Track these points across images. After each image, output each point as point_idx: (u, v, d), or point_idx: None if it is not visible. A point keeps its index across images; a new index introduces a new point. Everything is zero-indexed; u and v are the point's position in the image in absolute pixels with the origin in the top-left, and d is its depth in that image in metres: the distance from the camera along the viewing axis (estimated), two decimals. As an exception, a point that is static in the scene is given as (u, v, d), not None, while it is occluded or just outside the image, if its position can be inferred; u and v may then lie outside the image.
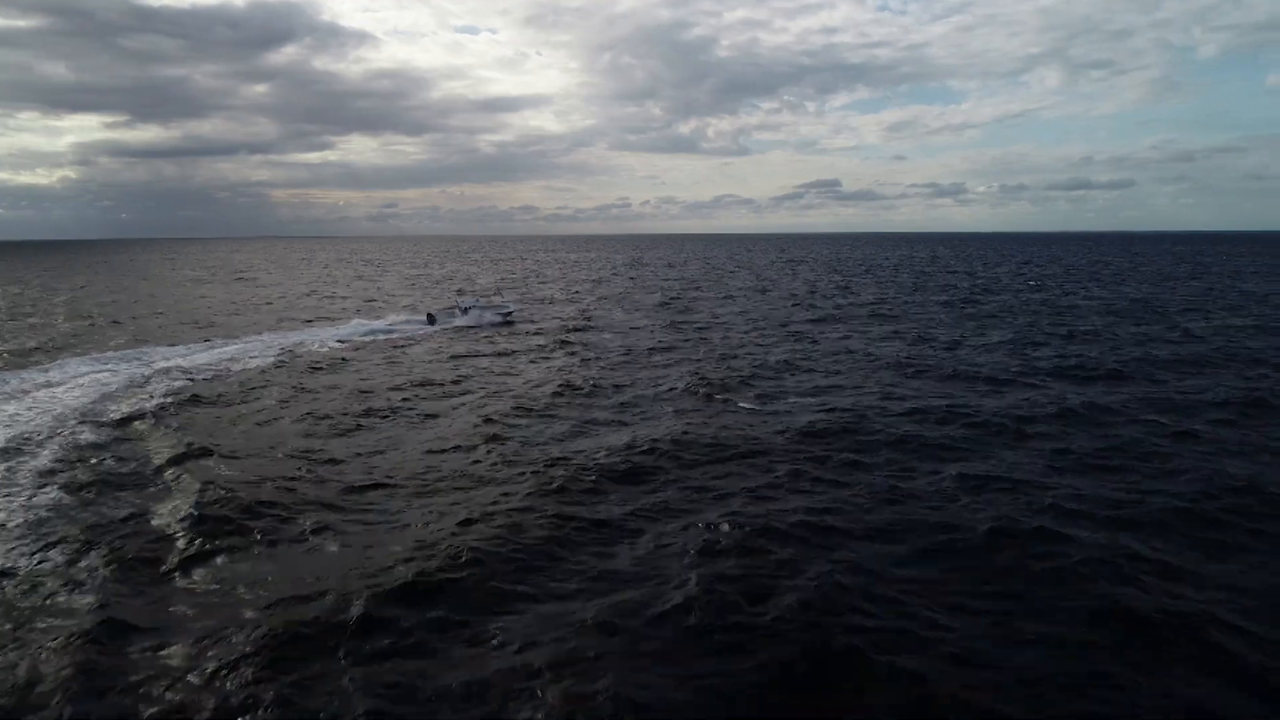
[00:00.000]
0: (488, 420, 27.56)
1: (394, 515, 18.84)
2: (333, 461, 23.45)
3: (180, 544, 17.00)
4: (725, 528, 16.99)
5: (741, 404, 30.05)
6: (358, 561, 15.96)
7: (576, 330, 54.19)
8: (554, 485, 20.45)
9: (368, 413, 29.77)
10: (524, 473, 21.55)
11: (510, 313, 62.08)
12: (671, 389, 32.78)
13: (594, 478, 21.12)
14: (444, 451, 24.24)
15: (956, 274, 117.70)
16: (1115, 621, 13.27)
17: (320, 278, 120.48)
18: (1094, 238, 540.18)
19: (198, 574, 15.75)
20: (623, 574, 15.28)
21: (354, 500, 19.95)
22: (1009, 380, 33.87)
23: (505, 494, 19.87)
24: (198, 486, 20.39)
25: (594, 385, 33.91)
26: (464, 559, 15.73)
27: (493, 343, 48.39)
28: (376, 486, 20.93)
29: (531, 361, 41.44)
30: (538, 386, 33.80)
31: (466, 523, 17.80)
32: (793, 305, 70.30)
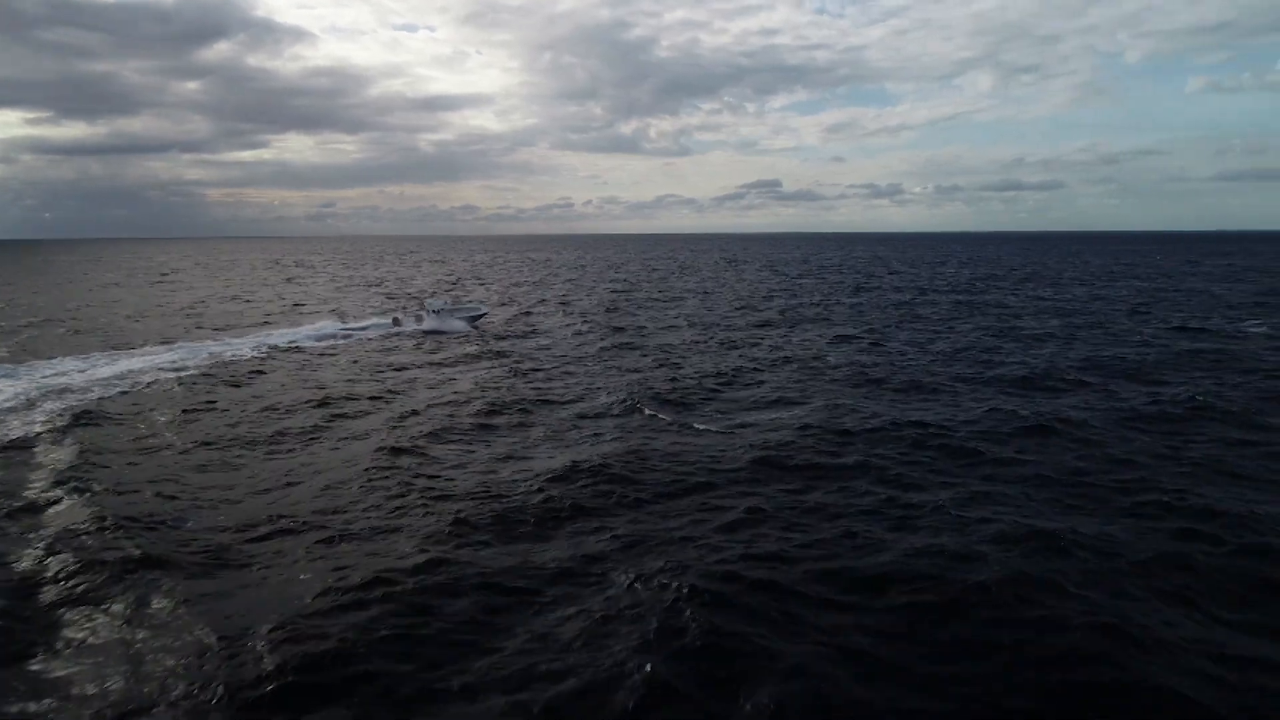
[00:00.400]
0: (409, 446, 24.49)
1: (284, 576, 15.70)
2: (224, 501, 20.21)
3: (10, 629, 13.68)
4: (683, 590, 14.20)
5: (690, 422, 27.45)
6: (229, 648, 12.77)
7: (514, 337, 51.22)
8: (479, 532, 17.58)
9: (276, 436, 26.54)
10: (444, 514, 18.54)
11: (483, 315, 59.42)
12: (613, 404, 30.04)
13: (528, 521, 18.29)
14: (354, 484, 21.10)
15: (900, 274, 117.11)
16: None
17: (248, 280, 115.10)
18: (1027, 237, 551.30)
19: (26, 675, 12.39)
20: (564, 663, 12.34)
21: (239, 554, 16.78)
22: (972, 393, 31.86)
23: (420, 545, 16.84)
24: (50, 540, 17.05)
25: (530, 401, 31.04)
26: (362, 644, 12.73)
27: (425, 350, 45.12)
28: (269, 536, 17.76)
29: (464, 372, 38.31)
30: (466, 403, 30.74)
31: (370, 586, 14.77)
32: (738, 309, 68.13)
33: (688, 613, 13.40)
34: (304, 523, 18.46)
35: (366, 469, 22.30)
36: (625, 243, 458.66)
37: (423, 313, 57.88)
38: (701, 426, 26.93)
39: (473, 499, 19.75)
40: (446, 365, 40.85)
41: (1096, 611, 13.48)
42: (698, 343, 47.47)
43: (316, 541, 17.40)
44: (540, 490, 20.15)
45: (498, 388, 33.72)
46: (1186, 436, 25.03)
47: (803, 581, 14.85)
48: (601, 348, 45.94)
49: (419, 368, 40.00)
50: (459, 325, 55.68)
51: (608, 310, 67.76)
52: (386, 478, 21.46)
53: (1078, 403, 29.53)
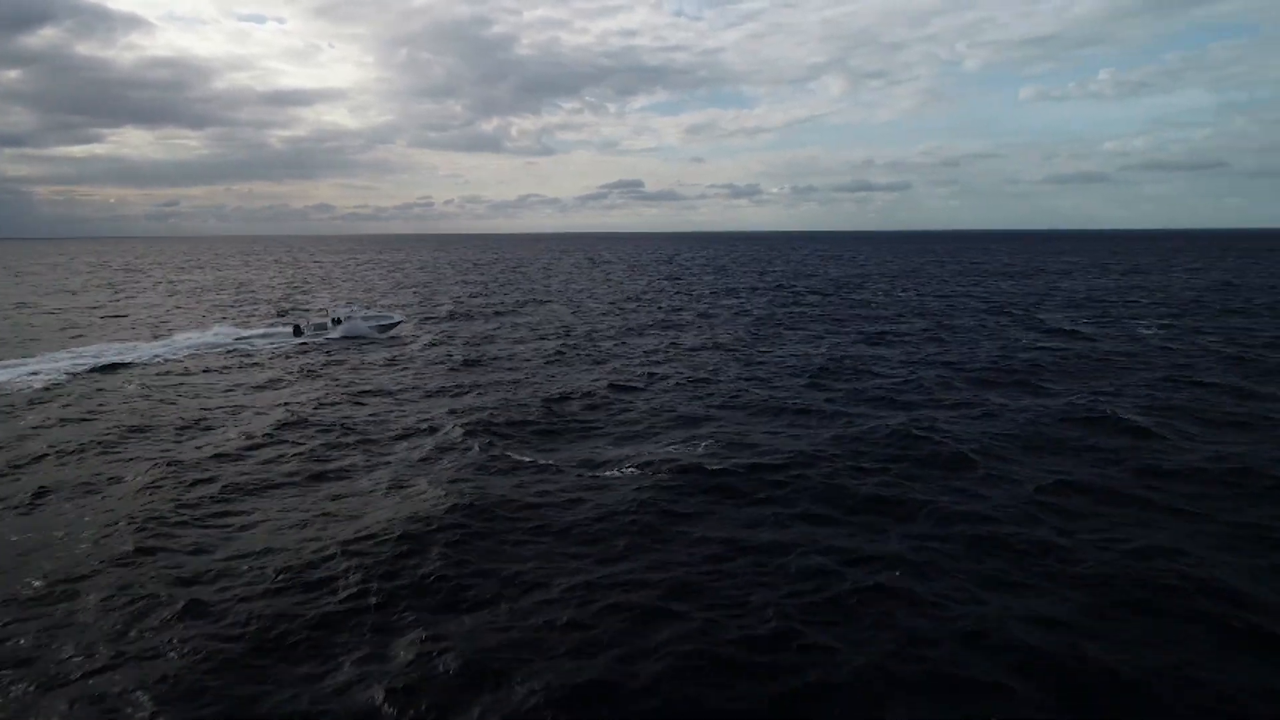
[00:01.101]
0: (195, 517, 19.04)
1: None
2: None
3: None
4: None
5: (560, 465, 23.08)
6: None
7: (356, 352, 45.30)
8: (269, 671, 12.52)
9: (31, 499, 20.70)
10: (223, 638, 13.38)
11: (397, 323, 54.46)
12: (469, 439, 25.37)
13: (343, 640, 13.38)
14: (106, 584, 15.41)
15: (767, 275, 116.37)
16: None
17: (67, 285, 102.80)
18: (879, 236, 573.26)
19: None
20: None
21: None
22: (872, 414, 28.67)
23: (182, 700, 11.72)
24: None
25: (366, 440, 26.02)
26: None
27: (250, 369, 38.82)
28: (-44, 685, 12.26)
29: (293, 398, 32.31)
30: (285, 444, 25.30)
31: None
32: (604, 314, 64.25)
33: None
34: (17, 657, 12.97)
35: (131, 554, 16.68)
36: (488, 243, 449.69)
37: (327, 320, 52.67)
38: (575, 470, 22.49)
39: (270, 598, 14.75)
40: (278, 387, 35.05)
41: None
42: (563, 355, 43.11)
43: (30, 690, 12.04)
44: (366, 585, 15.20)
45: (328, 421, 28.28)
46: (1124, 464, 22.36)
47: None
48: (460, 361, 41.12)
49: (242, 391, 34.06)
50: (367, 330, 51.14)
51: (466, 318, 62.57)
52: (153, 576, 15.77)
53: (989, 424, 26.75)
